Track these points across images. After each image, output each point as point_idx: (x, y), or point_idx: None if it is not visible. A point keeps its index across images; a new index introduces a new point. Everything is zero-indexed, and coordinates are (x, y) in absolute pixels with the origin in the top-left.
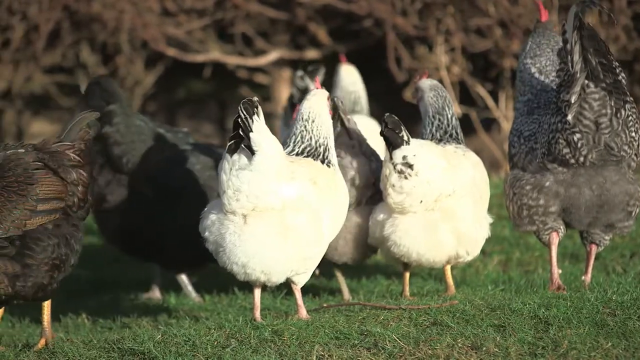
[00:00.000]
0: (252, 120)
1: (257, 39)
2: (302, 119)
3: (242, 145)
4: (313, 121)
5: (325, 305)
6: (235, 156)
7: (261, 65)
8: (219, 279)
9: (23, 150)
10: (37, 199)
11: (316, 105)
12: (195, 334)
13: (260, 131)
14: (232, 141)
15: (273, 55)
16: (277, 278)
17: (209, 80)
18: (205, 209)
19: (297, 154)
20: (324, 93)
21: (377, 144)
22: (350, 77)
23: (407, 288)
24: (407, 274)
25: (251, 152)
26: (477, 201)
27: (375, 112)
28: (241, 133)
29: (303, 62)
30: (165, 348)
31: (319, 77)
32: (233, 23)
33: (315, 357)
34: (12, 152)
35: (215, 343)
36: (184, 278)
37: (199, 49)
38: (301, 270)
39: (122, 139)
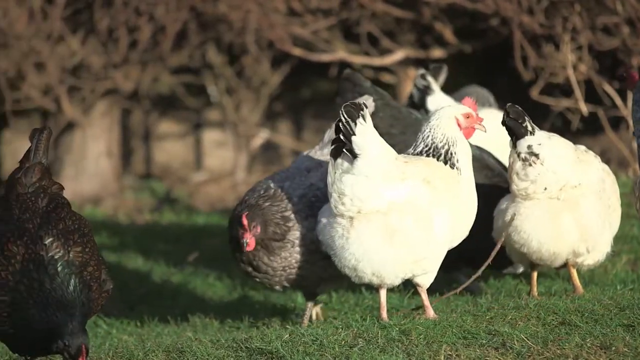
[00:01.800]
0: (356, 124)
1: (383, 39)
2: (431, 119)
3: (344, 150)
4: (450, 144)
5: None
6: (339, 160)
7: (387, 65)
8: (345, 279)
9: None
10: None
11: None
12: (323, 333)
13: (364, 134)
14: (334, 145)
15: (399, 55)
16: (391, 280)
17: (335, 80)
18: (320, 211)
19: (419, 153)
20: (462, 108)
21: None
22: None
23: (535, 288)
24: (535, 274)
25: (353, 155)
26: (605, 208)
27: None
28: (341, 137)
29: (428, 61)
30: (292, 347)
31: (442, 77)
32: (359, 22)
33: (443, 356)
34: None
35: (343, 342)
36: None
37: (325, 48)
38: (417, 272)
39: (389, 130)
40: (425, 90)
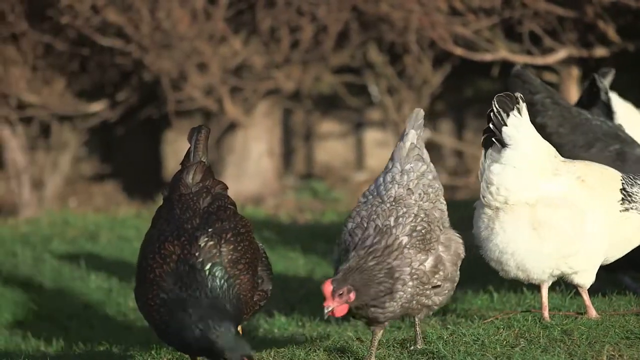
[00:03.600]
0: (508, 115)
1: (545, 37)
2: None
3: (494, 139)
4: None
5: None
6: (490, 150)
7: (549, 64)
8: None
9: None
10: None
11: None
12: (484, 333)
13: (516, 125)
14: (484, 135)
15: (561, 54)
16: (537, 276)
17: (497, 79)
18: (474, 204)
19: None
20: None
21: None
22: None
23: None
24: None
25: (502, 145)
26: None
27: None
28: (491, 127)
29: (591, 60)
30: (454, 347)
31: (609, 79)
32: (521, 21)
33: (605, 357)
34: None
35: (504, 342)
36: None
37: (487, 48)
38: (565, 269)
39: (557, 129)
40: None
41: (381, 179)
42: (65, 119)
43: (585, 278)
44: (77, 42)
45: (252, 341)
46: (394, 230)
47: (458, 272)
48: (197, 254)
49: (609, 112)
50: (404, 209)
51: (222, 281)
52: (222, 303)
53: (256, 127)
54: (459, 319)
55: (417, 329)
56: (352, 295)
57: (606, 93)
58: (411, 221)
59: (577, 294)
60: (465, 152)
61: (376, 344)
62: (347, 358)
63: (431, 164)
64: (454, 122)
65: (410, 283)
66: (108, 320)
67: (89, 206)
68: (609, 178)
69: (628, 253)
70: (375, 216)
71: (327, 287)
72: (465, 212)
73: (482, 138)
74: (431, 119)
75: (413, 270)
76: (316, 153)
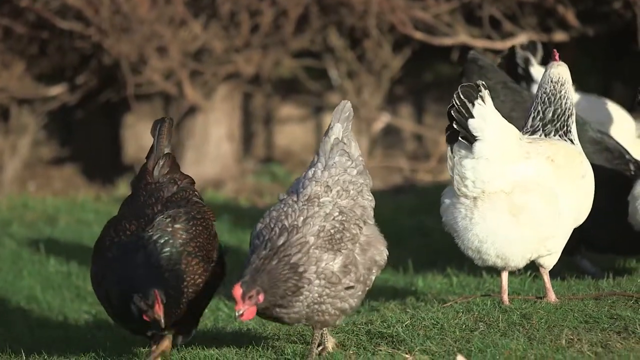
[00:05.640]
0: (474, 105)
1: (505, 22)
2: (551, 81)
3: (460, 138)
4: (562, 85)
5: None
6: (455, 146)
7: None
8: (467, 262)
9: None
10: None
11: (565, 72)
12: (444, 317)
13: (483, 115)
14: (448, 132)
15: (521, 38)
16: (516, 262)
17: (457, 64)
18: (443, 192)
19: (544, 120)
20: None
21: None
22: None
23: None
24: None
25: (470, 140)
26: None
27: (624, 95)
28: (455, 126)
29: (551, 44)
30: (413, 331)
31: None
32: (480, 6)
33: (564, 341)
34: None
35: (464, 326)
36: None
37: (447, 32)
38: (542, 252)
39: (509, 113)
40: (527, 63)
41: (303, 175)
42: (24, 102)
43: (554, 259)
44: (36, 25)
45: (215, 324)
46: (301, 230)
47: (372, 277)
48: (150, 230)
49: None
50: (315, 209)
51: (165, 249)
52: (157, 268)
53: (216, 111)
54: (418, 303)
55: (314, 344)
56: (261, 297)
57: (524, 66)
58: (320, 221)
59: (536, 277)
60: (425, 136)
61: (317, 343)
62: (305, 339)
63: (359, 159)
64: (413, 106)
65: (317, 282)
66: (66, 303)
67: (48, 190)
68: (572, 154)
69: (582, 232)
70: (284, 217)
71: (237, 291)
72: (426, 197)
73: (446, 135)
74: (391, 103)
75: (320, 270)
76: (276, 137)
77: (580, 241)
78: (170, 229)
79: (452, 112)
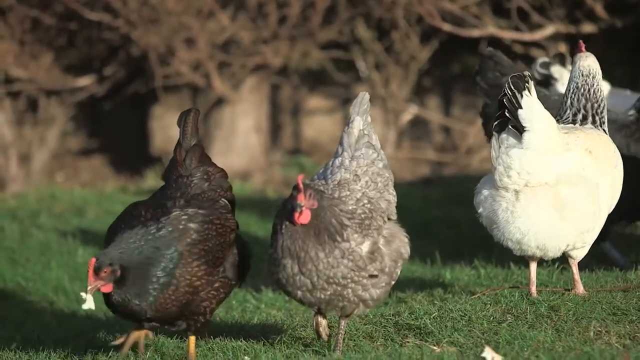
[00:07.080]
0: (522, 96)
1: (533, 13)
2: (582, 74)
3: (510, 126)
4: (594, 77)
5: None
6: (503, 135)
7: (537, 40)
8: (494, 254)
9: None
10: None
11: (594, 64)
12: (472, 309)
13: (530, 107)
14: (497, 121)
15: (549, 30)
16: (554, 253)
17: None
18: (479, 184)
19: (577, 111)
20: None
21: None
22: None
23: None
24: None
25: (520, 130)
26: None
27: None
28: (507, 114)
29: (579, 36)
30: (441, 323)
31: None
32: None
33: (592, 333)
34: None
35: (492, 318)
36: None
37: (474, 23)
38: (579, 244)
39: None
40: (546, 80)
41: (330, 163)
42: (52, 93)
43: (585, 251)
44: (64, 17)
45: (242, 315)
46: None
47: (397, 271)
48: (163, 221)
49: None
50: (347, 192)
51: (166, 238)
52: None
53: (243, 103)
54: (446, 295)
55: (340, 334)
56: (315, 204)
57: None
58: (353, 203)
59: (564, 269)
60: (453, 128)
61: (342, 333)
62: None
63: (382, 152)
64: (441, 98)
65: (345, 261)
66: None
67: (76, 181)
68: (606, 144)
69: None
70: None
71: (301, 182)
72: (453, 189)
73: (495, 123)
74: (418, 94)
75: (350, 249)
76: (303, 129)
77: (611, 226)
78: (182, 227)
79: (504, 100)
